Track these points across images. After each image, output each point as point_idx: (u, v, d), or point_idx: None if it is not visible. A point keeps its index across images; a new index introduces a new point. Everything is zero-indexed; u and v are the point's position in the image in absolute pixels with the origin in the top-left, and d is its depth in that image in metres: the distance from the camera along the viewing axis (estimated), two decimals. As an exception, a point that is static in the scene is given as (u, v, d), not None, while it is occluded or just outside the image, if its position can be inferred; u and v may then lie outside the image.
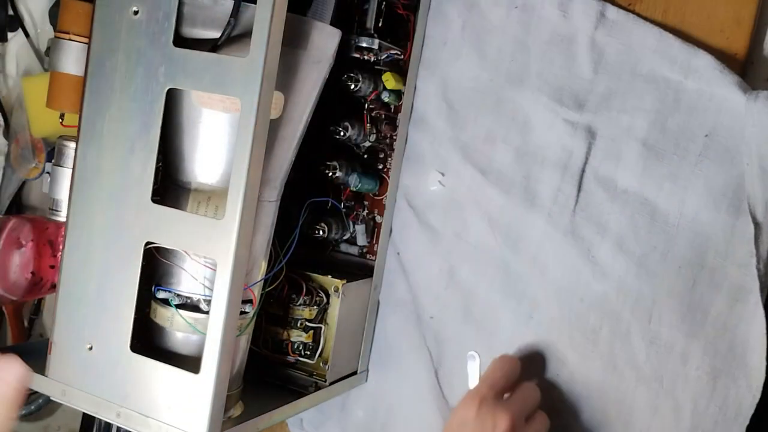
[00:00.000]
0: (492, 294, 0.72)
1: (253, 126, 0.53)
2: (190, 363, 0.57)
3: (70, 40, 0.64)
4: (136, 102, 0.57)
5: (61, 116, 0.67)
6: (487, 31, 0.73)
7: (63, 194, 0.66)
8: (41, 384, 0.62)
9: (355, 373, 0.76)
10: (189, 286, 0.60)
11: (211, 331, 0.54)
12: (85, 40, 0.63)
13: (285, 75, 0.58)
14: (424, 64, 0.75)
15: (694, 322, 0.65)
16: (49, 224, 1.02)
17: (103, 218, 0.59)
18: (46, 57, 1.03)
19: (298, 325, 0.70)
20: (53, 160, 0.67)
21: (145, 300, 0.61)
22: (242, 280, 0.56)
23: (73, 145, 0.64)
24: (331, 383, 0.71)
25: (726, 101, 0.63)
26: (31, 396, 1.05)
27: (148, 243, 0.57)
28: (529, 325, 0.71)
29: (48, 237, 1.01)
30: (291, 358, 0.71)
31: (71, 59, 0.65)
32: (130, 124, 0.58)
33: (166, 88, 0.56)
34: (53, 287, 1.02)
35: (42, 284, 1.01)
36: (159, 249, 0.59)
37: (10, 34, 1.01)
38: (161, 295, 0.60)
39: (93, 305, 0.59)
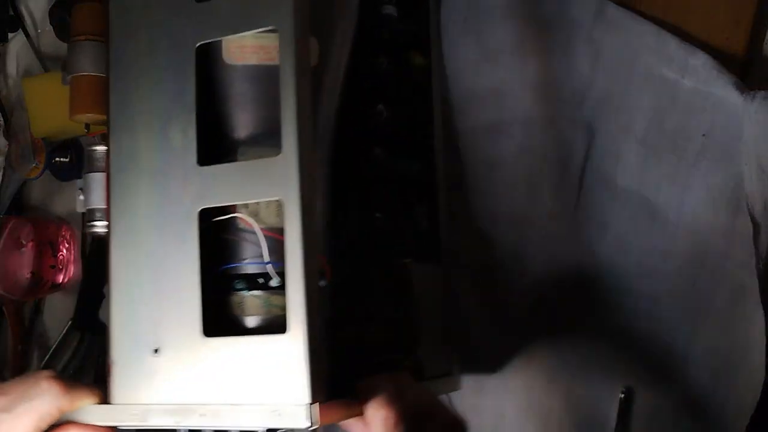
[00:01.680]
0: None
1: (293, 47, 0.50)
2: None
3: (86, 40, 0.64)
4: (165, 69, 0.55)
5: (87, 127, 0.65)
6: (486, 22, 0.72)
7: (100, 200, 0.63)
8: (108, 415, 0.55)
9: (449, 374, 0.68)
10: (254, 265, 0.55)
11: (290, 278, 0.49)
12: (101, 38, 0.61)
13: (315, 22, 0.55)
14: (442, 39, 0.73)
15: (694, 321, 0.65)
16: (50, 224, 1.02)
17: (148, 201, 0.55)
18: (47, 59, 1.03)
19: None
20: (83, 171, 0.63)
21: (210, 285, 0.56)
22: (313, 216, 0.51)
23: (101, 147, 0.62)
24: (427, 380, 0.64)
25: (723, 101, 0.63)
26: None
27: (202, 210, 0.53)
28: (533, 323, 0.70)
29: (48, 237, 1.02)
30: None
31: (90, 59, 0.64)
32: (162, 95, 0.54)
33: (197, 45, 0.53)
34: (53, 287, 1.02)
35: (42, 284, 1.01)
36: (218, 227, 0.55)
37: (10, 34, 1.01)
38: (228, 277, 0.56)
39: (151, 303, 0.54)
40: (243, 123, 0.56)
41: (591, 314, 0.69)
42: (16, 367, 1.04)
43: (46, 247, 1.01)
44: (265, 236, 0.54)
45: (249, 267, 0.55)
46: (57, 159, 1.03)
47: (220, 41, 0.55)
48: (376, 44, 0.66)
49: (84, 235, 1.01)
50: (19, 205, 1.07)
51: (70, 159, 1.02)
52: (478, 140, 0.73)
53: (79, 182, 0.64)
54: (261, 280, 0.55)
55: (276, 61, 0.52)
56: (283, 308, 0.50)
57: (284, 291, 0.51)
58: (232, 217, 0.55)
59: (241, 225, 0.56)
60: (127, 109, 0.57)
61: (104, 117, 0.59)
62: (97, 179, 0.62)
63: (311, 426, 0.48)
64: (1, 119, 1.04)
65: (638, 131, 0.67)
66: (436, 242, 0.70)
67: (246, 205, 0.55)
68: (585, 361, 0.69)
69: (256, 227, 0.55)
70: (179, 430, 0.53)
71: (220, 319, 0.54)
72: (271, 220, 0.55)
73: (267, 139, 0.55)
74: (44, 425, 0.53)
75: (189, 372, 0.52)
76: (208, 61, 0.55)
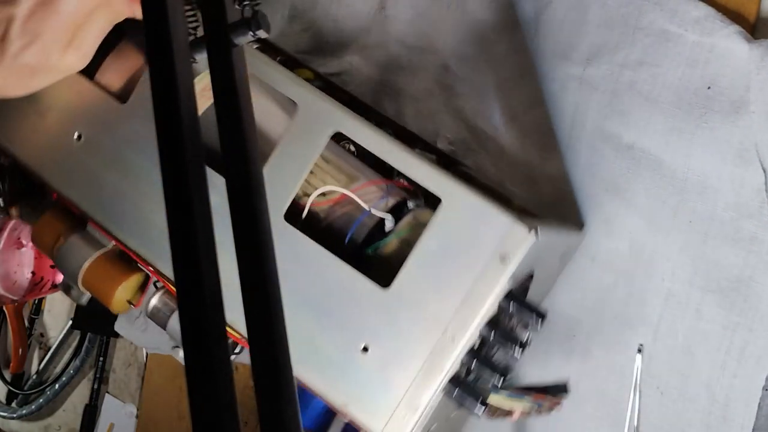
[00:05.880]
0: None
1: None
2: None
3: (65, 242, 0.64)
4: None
5: (130, 302, 0.64)
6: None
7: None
8: None
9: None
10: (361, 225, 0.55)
11: (408, 168, 0.51)
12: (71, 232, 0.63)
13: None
14: None
15: (707, 276, 0.64)
16: (50, 224, 1.01)
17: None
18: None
19: None
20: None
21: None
22: None
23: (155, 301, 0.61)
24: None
25: (727, 51, 0.63)
26: (31, 396, 1.02)
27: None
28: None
29: (48, 236, 1.00)
30: None
31: (81, 249, 0.64)
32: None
33: None
34: (54, 287, 1.00)
35: (42, 284, 0.99)
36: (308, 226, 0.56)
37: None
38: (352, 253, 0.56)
39: (324, 321, 0.52)
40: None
41: (603, 273, 0.67)
42: (17, 367, 1.02)
43: (47, 246, 1.00)
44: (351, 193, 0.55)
45: (360, 230, 0.55)
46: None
47: None
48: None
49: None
50: (20, 205, 1.06)
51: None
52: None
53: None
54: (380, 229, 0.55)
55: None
56: (414, 228, 0.51)
57: (401, 221, 0.54)
58: (309, 209, 0.56)
59: (320, 207, 0.56)
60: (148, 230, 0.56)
61: (135, 279, 0.59)
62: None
63: (538, 238, 0.48)
64: (2, 118, 1.04)
65: (642, 86, 0.67)
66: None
67: (306, 194, 0.55)
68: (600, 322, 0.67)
69: (345, 191, 0.55)
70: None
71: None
72: (332, 179, 0.57)
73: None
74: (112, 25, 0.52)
75: (405, 329, 0.50)
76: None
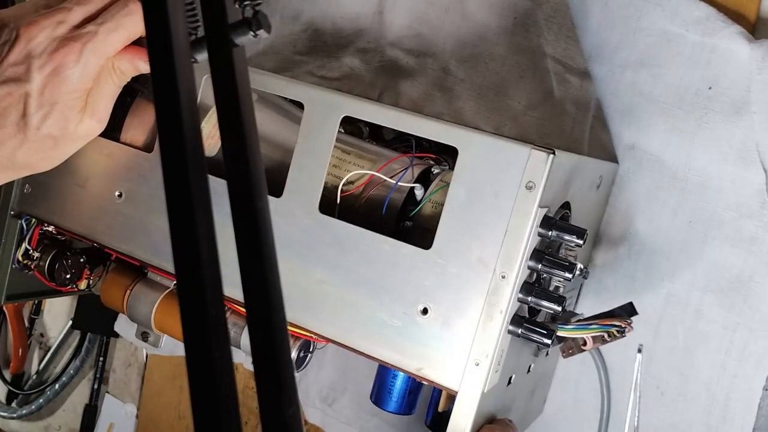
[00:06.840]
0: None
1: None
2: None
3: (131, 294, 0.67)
4: None
5: None
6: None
7: None
8: (481, 402, 0.52)
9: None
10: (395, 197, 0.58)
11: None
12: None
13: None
14: None
15: (707, 276, 0.64)
16: (50, 224, 1.00)
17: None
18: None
19: None
20: None
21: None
22: None
23: None
24: None
25: (729, 52, 0.63)
26: (31, 396, 1.02)
27: (321, 208, 0.55)
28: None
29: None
30: None
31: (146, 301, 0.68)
32: None
33: None
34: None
35: (42, 284, 0.99)
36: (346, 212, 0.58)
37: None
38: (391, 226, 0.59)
39: (381, 293, 0.53)
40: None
41: (603, 274, 0.68)
42: (17, 367, 1.01)
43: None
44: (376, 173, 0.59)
45: (393, 203, 0.57)
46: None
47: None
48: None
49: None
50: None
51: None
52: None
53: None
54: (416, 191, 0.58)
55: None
56: (443, 189, 0.53)
57: (430, 186, 0.57)
58: (341, 197, 0.59)
59: (352, 194, 0.59)
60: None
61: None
62: None
63: (556, 156, 0.49)
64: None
65: (644, 87, 0.67)
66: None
67: (336, 186, 0.58)
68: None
69: (370, 172, 0.59)
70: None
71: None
72: (355, 167, 0.60)
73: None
74: (127, 43, 0.52)
75: (456, 281, 0.51)
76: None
